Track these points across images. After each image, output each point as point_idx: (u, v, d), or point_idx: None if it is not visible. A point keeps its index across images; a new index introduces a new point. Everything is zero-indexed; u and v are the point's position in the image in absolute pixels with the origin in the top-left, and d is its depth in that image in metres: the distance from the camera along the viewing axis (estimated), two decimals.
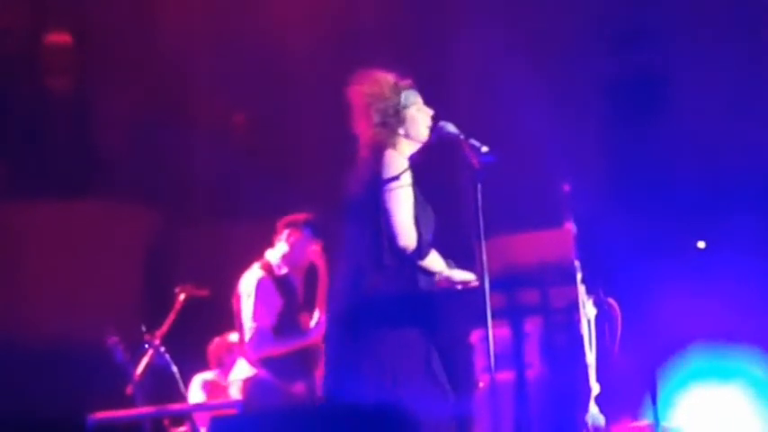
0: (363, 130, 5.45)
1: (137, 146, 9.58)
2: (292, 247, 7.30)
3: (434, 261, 5.41)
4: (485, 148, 5.19)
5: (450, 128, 5.38)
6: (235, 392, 7.22)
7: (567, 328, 5.59)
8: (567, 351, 5.63)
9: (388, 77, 5.48)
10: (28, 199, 9.45)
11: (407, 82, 5.51)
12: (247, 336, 7.14)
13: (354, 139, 5.50)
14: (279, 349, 7.14)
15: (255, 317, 7.13)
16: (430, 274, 5.39)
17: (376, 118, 5.41)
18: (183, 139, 9.59)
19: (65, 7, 9.56)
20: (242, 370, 7.22)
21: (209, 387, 7.99)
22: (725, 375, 7.47)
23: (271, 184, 9.03)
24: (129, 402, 6.96)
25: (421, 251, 5.31)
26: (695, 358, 7.48)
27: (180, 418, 7.43)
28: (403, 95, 5.45)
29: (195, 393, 7.90)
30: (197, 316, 7.62)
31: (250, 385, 7.14)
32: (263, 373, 7.12)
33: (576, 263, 5.47)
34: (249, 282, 7.23)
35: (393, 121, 5.42)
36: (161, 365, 7.07)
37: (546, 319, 5.63)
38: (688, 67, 9.20)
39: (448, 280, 5.48)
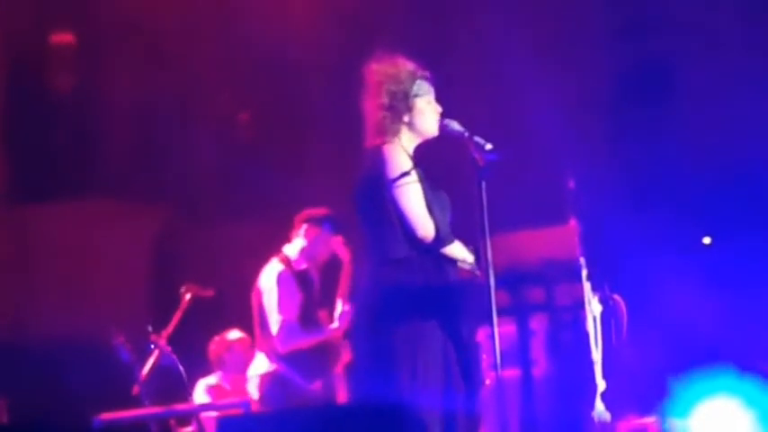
0: (371, 110, 5.41)
1: (141, 144, 9.58)
2: (311, 242, 7.25)
3: (456, 249, 5.35)
4: (489, 146, 5.17)
5: (455, 125, 5.36)
6: (252, 388, 7.18)
7: (572, 325, 5.59)
8: (573, 348, 5.63)
9: (406, 63, 5.44)
10: (32, 198, 9.46)
11: (425, 73, 5.46)
12: (275, 329, 7.07)
13: (360, 120, 5.46)
14: (307, 341, 7.08)
15: (281, 310, 7.07)
16: (455, 262, 5.36)
17: (385, 99, 5.37)
18: (189, 137, 9.58)
19: (68, 6, 9.55)
20: (260, 365, 7.19)
21: (213, 392, 7.98)
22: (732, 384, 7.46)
23: (277, 182, 9.02)
24: (135, 403, 6.96)
25: (441, 239, 5.28)
26: (704, 366, 7.46)
27: (186, 419, 7.42)
28: (417, 84, 5.40)
29: (200, 398, 7.89)
30: (203, 316, 7.61)
31: (268, 380, 7.10)
32: (283, 369, 7.09)
33: (582, 260, 5.46)
34: (270, 275, 7.18)
35: (401, 106, 5.37)
36: (167, 365, 7.06)
37: (551, 316, 5.63)
38: (695, 60, 9.18)
39: (469, 267, 5.42)
